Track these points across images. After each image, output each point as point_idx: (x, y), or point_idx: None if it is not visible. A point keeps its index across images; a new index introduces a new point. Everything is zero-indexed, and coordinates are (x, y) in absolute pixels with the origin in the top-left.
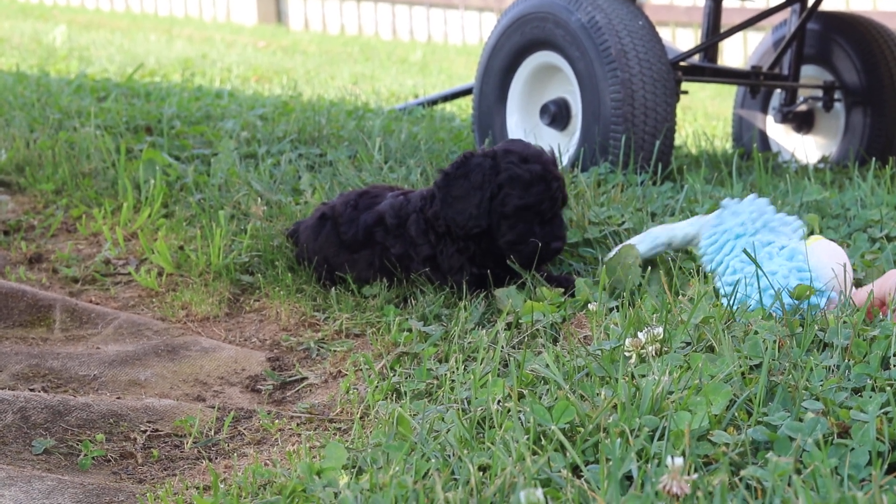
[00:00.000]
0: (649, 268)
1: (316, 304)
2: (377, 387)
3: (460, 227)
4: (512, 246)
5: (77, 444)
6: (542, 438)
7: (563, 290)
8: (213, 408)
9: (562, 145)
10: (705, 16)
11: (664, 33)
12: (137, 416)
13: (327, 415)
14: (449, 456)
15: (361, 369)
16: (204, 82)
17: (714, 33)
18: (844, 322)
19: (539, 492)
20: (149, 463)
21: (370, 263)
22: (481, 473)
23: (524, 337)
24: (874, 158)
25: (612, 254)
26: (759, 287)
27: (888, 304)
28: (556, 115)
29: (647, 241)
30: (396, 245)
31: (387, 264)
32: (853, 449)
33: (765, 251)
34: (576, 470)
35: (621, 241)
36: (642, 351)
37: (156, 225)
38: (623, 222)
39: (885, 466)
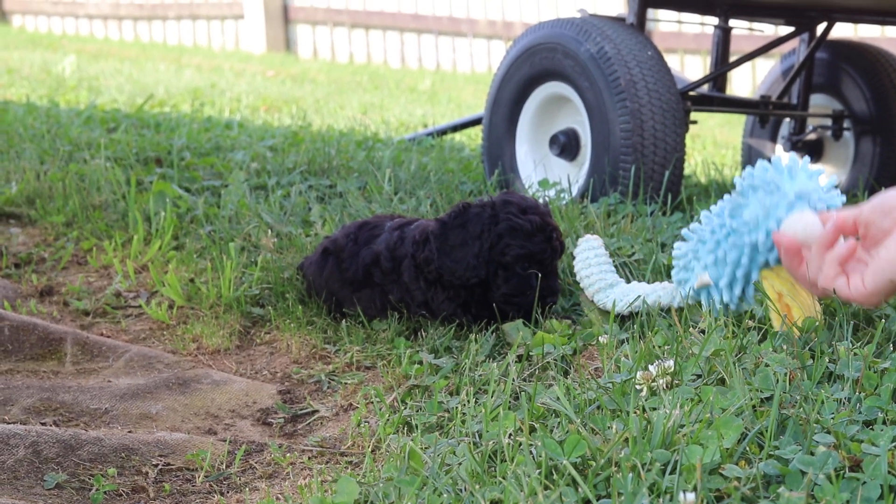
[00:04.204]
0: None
1: (327, 336)
2: (388, 420)
3: (458, 277)
4: (508, 299)
5: (89, 479)
6: (553, 473)
7: (571, 321)
8: (225, 441)
9: (571, 176)
10: (714, 45)
11: (673, 60)
12: (149, 450)
13: (339, 448)
14: (461, 490)
15: (372, 402)
16: (213, 112)
17: (723, 62)
18: (855, 354)
19: None
20: (160, 497)
21: (372, 302)
22: None
23: (535, 369)
24: (883, 187)
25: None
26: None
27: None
28: (566, 145)
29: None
30: (394, 290)
31: (388, 303)
32: (865, 483)
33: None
34: None
35: (631, 273)
36: (653, 384)
37: (166, 257)
38: (633, 253)
39: None
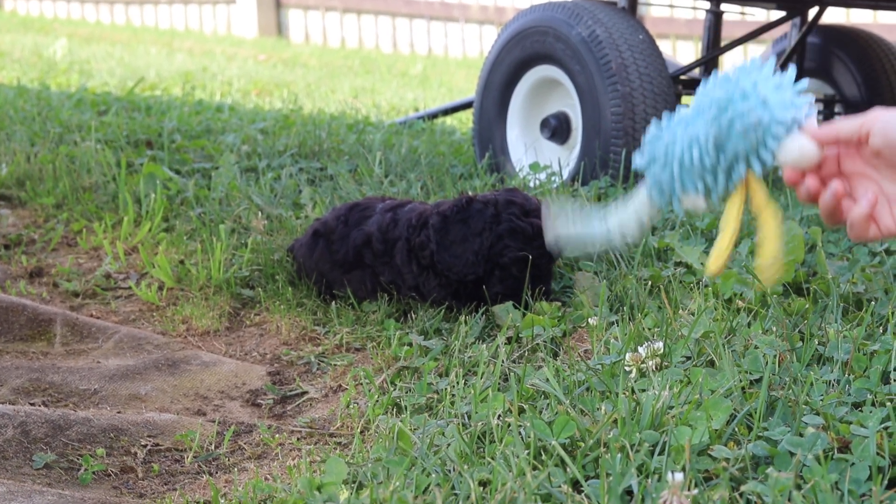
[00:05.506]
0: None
1: (316, 318)
2: (377, 401)
3: (455, 273)
4: (501, 298)
5: (77, 459)
6: (542, 453)
7: (561, 303)
8: (214, 422)
9: (562, 159)
10: (706, 29)
11: (665, 46)
12: (138, 431)
13: (328, 429)
14: (449, 471)
15: (362, 383)
16: (204, 96)
17: (715, 47)
18: (844, 336)
19: None
20: (149, 477)
21: (363, 283)
22: (482, 489)
23: (524, 351)
24: None
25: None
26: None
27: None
28: (557, 128)
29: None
30: (385, 272)
31: (379, 285)
32: (853, 464)
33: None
34: (576, 485)
35: (620, 255)
36: (642, 365)
37: (156, 239)
38: None
39: (886, 482)
